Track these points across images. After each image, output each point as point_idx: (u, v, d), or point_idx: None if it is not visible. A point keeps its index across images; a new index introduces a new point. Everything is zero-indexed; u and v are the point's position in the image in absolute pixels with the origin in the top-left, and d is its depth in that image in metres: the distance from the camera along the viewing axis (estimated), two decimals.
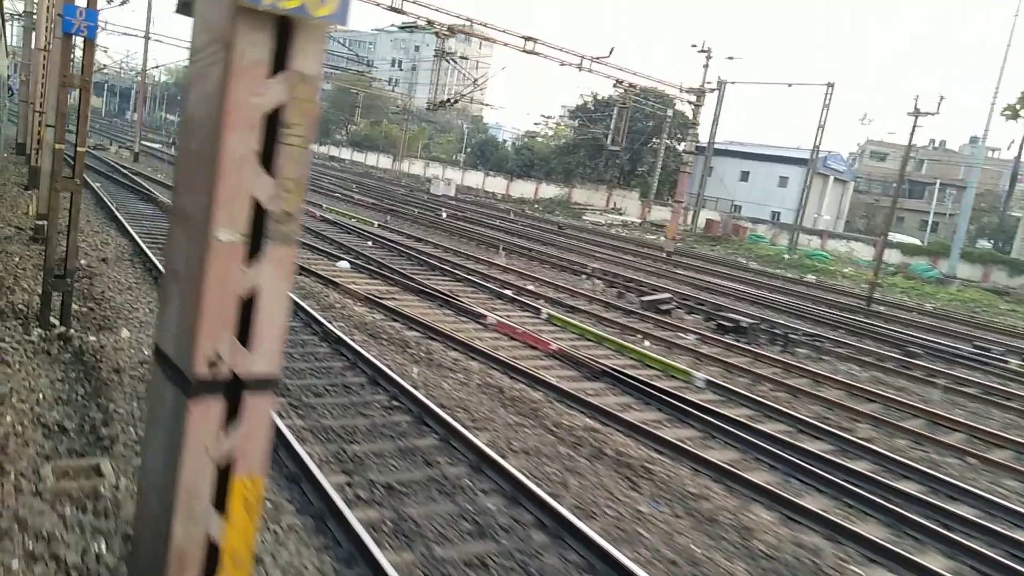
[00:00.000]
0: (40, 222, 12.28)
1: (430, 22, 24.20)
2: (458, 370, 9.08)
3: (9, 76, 33.34)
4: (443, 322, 11.75)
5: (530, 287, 17.03)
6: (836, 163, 52.63)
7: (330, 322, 10.28)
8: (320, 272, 14.02)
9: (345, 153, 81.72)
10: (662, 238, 44.30)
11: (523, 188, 58.31)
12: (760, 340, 14.77)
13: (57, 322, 7.78)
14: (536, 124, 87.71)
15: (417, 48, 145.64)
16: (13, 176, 21.47)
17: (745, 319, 15.55)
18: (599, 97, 54.78)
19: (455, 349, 10.16)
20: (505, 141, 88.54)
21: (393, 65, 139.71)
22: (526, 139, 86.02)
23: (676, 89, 32.80)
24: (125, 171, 28.58)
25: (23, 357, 6.79)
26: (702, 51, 32.35)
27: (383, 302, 12.32)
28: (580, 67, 28.85)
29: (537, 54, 27.29)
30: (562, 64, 28.79)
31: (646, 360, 11.35)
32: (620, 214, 52.44)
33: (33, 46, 23.43)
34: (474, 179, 62.17)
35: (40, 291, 8.15)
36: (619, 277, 20.66)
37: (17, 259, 10.46)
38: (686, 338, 14.02)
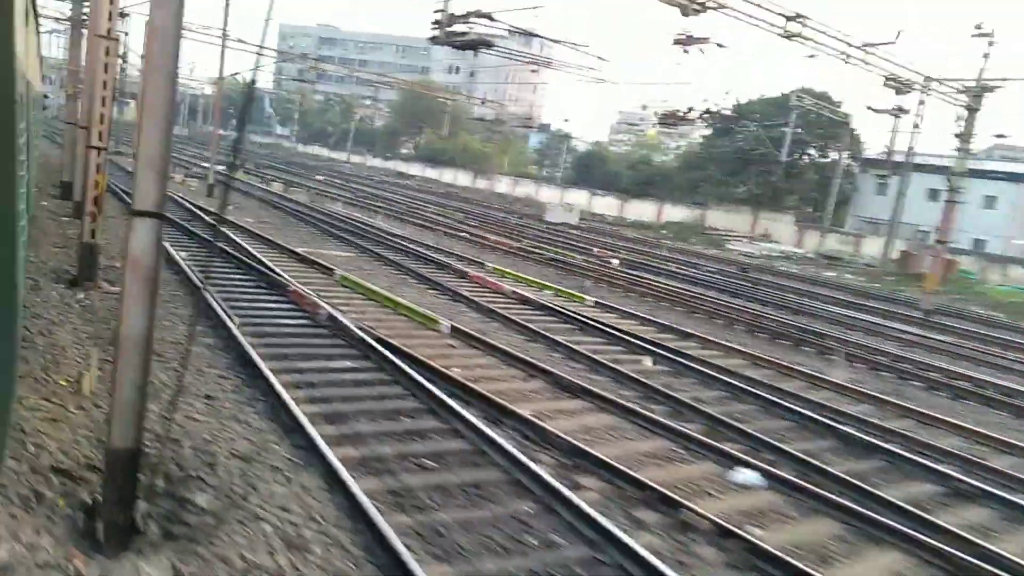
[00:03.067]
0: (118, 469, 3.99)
1: None
2: None
3: (46, 96, 26.15)
4: None
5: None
6: None
7: None
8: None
9: (415, 169, 73.90)
10: (847, 274, 35.27)
11: (641, 210, 49.62)
12: None
13: None
14: (620, 133, 78.87)
15: (475, 53, 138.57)
16: (54, 245, 13.50)
17: None
18: (740, 102, 45.86)
19: None
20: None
21: (450, 71, 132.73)
22: (596, 149, 77.26)
23: (937, 84, 23.96)
24: (208, 217, 20.67)
25: None
26: (982, 34, 23.39)
27: None
28: (847, 58, 20.20)
29: (803, 39, 18.67)
30: (811, 56, 20.21)
31: None
32: (770, 241, 43.46)
33: (86, 41, 15.66)
34: (576, 198, 53.60)
35: None
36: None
37: None
38: None
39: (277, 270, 13.84)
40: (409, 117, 74.40)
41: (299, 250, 17.28)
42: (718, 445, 7.94)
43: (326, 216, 26.30)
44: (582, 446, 7.29)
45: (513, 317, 13.25)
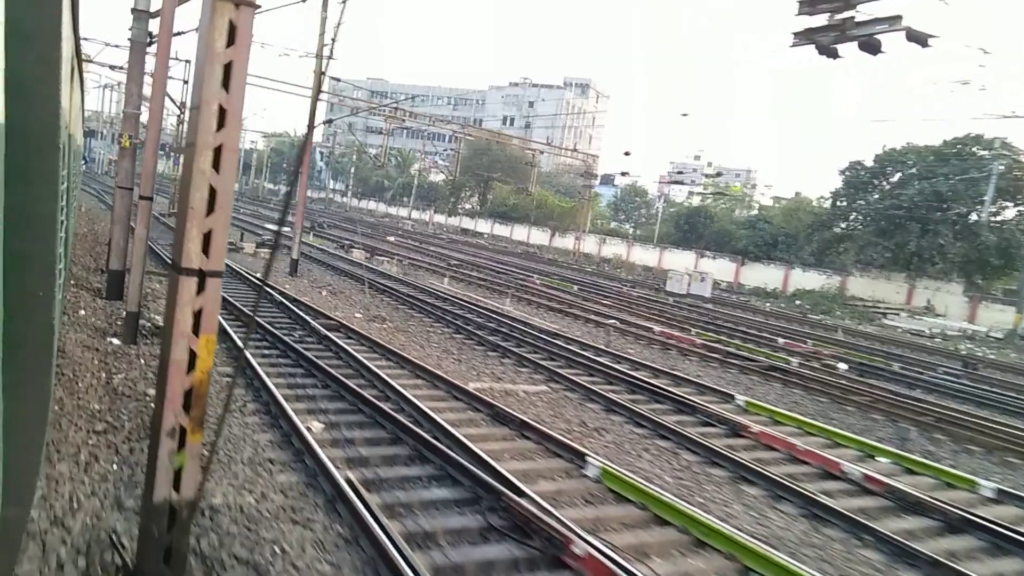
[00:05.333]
0: None
1: None
2: None
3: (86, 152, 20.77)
4: None
5: None
6: None
7: None
8: None
9: (482, 226, 68.23)
10: None
11: (763, 275, 42.79)
12: None
13: None
14: (704, 185, 72.45)
15: (531, 104, 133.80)
16: (92, 429, 7.30)
17: None
18: (887, 149, 39.24)
19: None
20: (655, 207, 73.73)
21: (504, 123, 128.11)
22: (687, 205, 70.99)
23: None
24: (307, 317, 14.49)
25: None
26: None
27: None
28: None
29: None
30: None
31: None
32: (935, 315, 36.17)
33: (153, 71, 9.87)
34: (678, 261, 47.03)
35: None
36: None
37: None
38: None
39: (503, 471, 7.34)
40: (476, 170, 69.05)
41: (471, 387, 10.87)
42: None
43: (441, 301, 20.12)
44: None
45: None
